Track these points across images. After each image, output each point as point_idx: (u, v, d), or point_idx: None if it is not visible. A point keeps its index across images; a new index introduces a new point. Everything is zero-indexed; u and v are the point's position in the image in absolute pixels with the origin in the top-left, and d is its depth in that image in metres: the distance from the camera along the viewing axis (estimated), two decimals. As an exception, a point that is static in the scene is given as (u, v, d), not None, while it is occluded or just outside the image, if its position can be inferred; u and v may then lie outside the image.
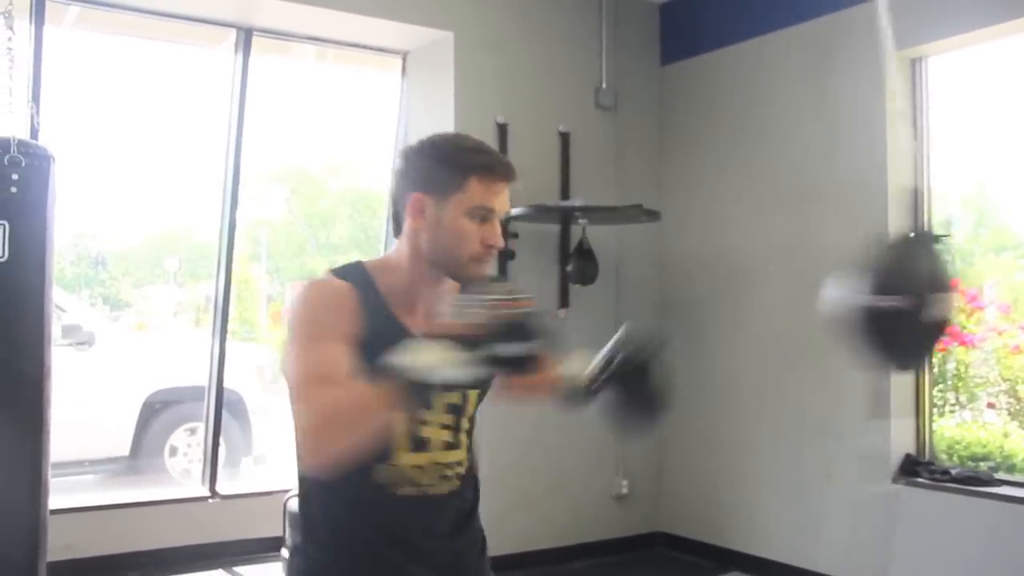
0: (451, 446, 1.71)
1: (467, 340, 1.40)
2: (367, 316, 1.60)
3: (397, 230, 1.69)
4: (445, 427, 1.69)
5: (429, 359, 1.41)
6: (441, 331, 1.44)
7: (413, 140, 1.72)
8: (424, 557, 1.68)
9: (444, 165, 1.62)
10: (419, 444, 1.65)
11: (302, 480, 1.69)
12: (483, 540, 1.83)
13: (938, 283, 1.92)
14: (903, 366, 2.39)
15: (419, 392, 1.43)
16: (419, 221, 1.63)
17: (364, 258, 1.73)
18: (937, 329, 1.94)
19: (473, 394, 1.73)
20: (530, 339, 1.44)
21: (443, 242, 1.61)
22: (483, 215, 1.61)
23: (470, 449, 1.77)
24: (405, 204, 1.65)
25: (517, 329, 1.43)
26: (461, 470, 1.73)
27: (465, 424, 1.74)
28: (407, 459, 1.65)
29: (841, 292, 1.94)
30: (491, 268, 1.68)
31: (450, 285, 1.66)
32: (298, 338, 1.57)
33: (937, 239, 2.11)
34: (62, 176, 3.40)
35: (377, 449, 1.57)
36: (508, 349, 1.43)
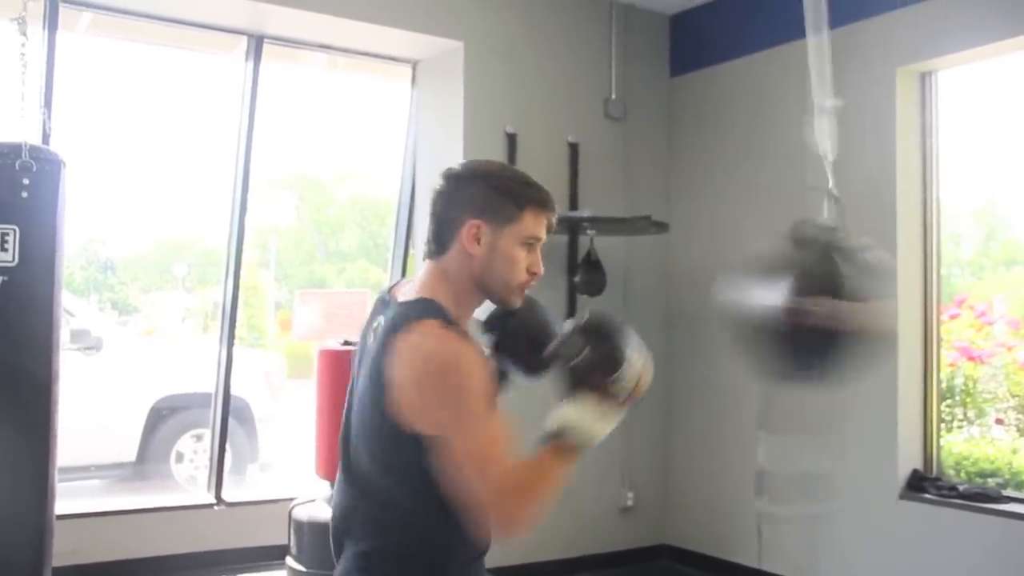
0: None
1: (621, 396, 1.65)
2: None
3: (439, 251, 1.74)
4: None
5: (591, 421, 1.65)
6: (594, 394, 1.64)
7: (458, 163, 1.80)
8: None
9: (503, 196, 1.71)
10: None
11: (406, 520, 1.69)
12: None
13: (840, 288, 1.77)
14: (796, 379, 2.06)
15: (584, 450, 1.64)
16: (475, 246, 1.70)
17: (428, 294, 1.71)
18: (830, 337, 1.79)
19: None
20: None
21: (497, 268, 1.70)
22: (532, 244, 1.72)
23: None
24: (456, 228, 1.71)
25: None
26: None
27: None
28: None
29: (734, 293, 1.84)
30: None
31: (482, 308, 1.79)
32: (471, 412, 1.59)
33: (848, 242, 1.96)
34: (72, 181, 3.42)
35: None
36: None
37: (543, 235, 1.74)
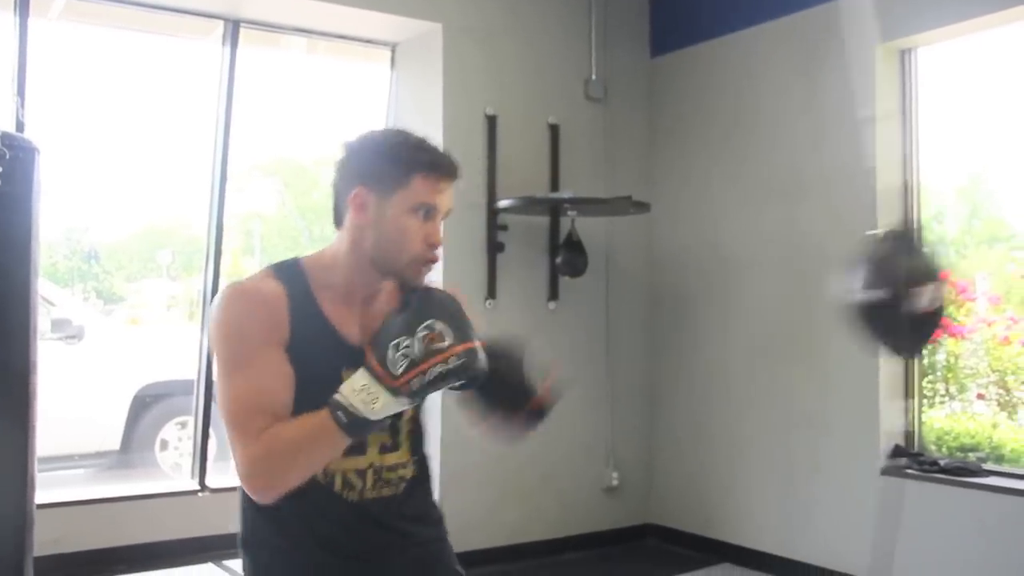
0: (388, 449, 1.69)
1: (399, 388, 1.45)
2: (297, 320, 1.60)
3: (338, 222, 1.68)
4: (382, 429, 1.65)
5: (366, 398, 1.45)
6: (376, 371, 1.46)
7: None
8: (366, 562, 1.67)
9: (389, 160, 1.60)
10: (354, 447, 1.60)
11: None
12: (438, 544, 1.81)
13: (919, 275, 1.99)
14: (898, 353, 2.46)
15: (359, 427, 1.48)
16: (361, 216, 1.61)
17: (300, 256, 1.70)
18: (924, 318, 2.01)
19: None
20: (464, 381, 1.51)
21: (385, 238, 1.60)
22: (426, 212, 1.60)
23: (416, 452, 1.74)
24: (347, 197, 1.63)
25: (449, 380, 1.48)
26: (405, 473, 1.72)
27: (405, 426, 1.72)
28: (343, 463, 1.63)
29: (838, 287, 2.07)
30: (430, 270, 1.66)
31: (387, 285, 1.67)
32: (228, 360, 1.56)
33: (920, 234, 2.27)
34: (48, 169, 3.38)
35: None
36: (439, 388, 1.49)
37: (438, 202, 1.61)
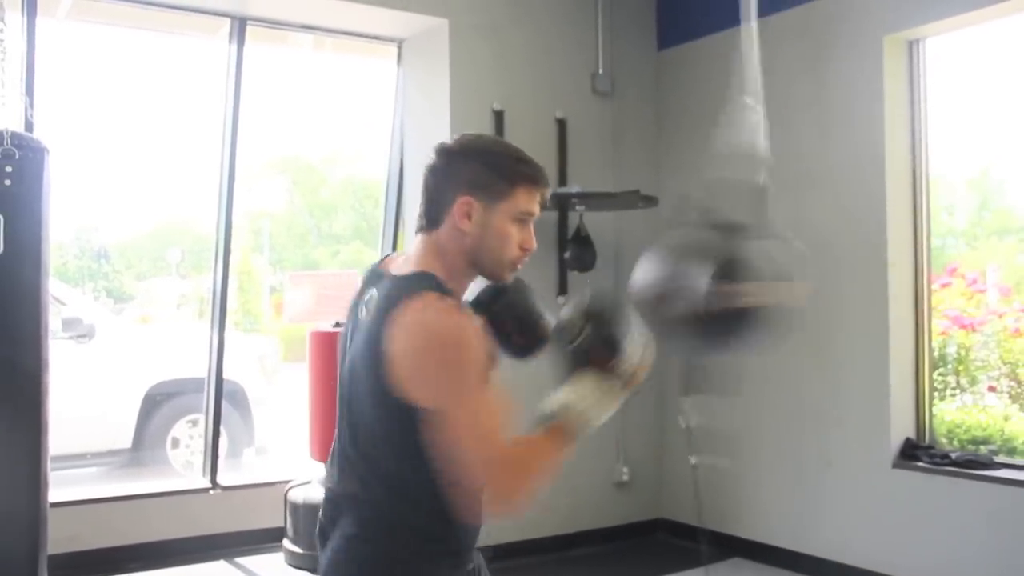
0: None
1: (623, 379, 1.66)
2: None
3: (430, 226, 1.72)
4: None
5: (589, 404, 1.63)
6: (599, 372, 1.64)
7: (450, 137, 1.77)
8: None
9: (495, 172, 1.70)
10: None
11: (404, 493, 1.67)
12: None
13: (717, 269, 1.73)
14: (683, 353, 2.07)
15: (585, 432, 1.64)
16: (466, 223, 1.69)
17: (424, 268, 1.70)
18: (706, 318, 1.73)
19: None
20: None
21: (489, 244, 1.70)
22: (524, 220, 1.71)
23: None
24: (447, 204, 1.70)
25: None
26: None
27: None
28: None
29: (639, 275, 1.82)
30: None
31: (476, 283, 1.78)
32: (466, 386, 1.58)
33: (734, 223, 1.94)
34: (58, 169, 3.40)
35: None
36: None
37: (536, 211, 1.72)
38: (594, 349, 1.64)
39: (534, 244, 1.74)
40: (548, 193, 1.77)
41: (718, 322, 1.73)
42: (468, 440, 1.56)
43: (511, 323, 1.81)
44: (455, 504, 1.62)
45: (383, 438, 1.65)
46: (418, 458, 1.60)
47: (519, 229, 1.70)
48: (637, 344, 1.67)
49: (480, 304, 1.82)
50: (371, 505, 1.67)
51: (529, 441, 1.62)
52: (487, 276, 1.75)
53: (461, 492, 1.60)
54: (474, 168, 1.70)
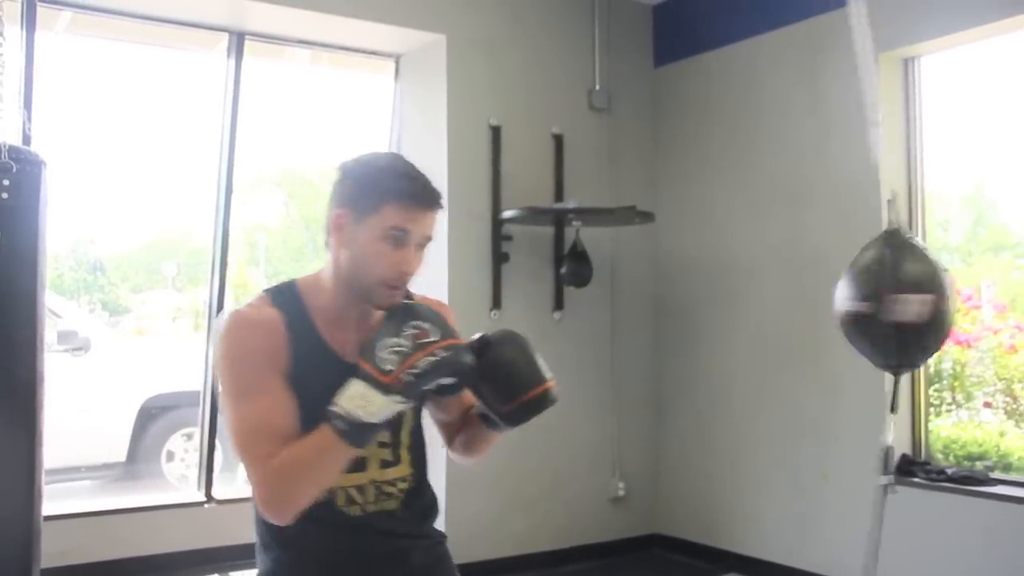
0: (389, 464, 1.73)
1: (391, 385, 1.50)
2: (296, 344, 1.64)
3: (325, 243, 1.71)
4: (383, 445, 1.71)
5: (362, 403, 1.50)
6: (368, 372, 1.52)
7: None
8: (378, 560, 1.72)
9: (365, 186, 1.64)
10: (355, 464, 1.65)
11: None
12: (437, 551, 1.83)
13: (905, 284, 1.77)
14: (886, 368, 2.10)
15: (359, 434, 1.52)
16: (339, 237, 1.65)
17: (296, 278, 1.73)
18: (913, 330, 1.77)
19: (408, 410, 1.71)
20: (453, 377, 1.57)
21: (357, 261, 1.64)
22: (397, 239, 1.62)
23: (416, 465, 1.78)
24: (329, 219, 1.67)
25: (440, 373, 1.53)
26: (405, 486, 1.75)
27: (405, 440, 1.76)
28: (343, 480, 1.67)
29: (836, 297, 1.86)
30: (402, 294, 1.69)
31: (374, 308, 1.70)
32: (232, 389, 1.60)
33: (916, 238, 1.97)
34: (55, 182, 3.40)
35: None
36: (429, 386, 1.55)
37: (414, 230, 1.62)
38: (363, 349, 1.56)
39: (412, 268, 1.65)
40: (428, 213, 1.64)
41: (906, 334, 1.74)
42: (236, 444, 1.58)
43: (488, 389, 1.68)
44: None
45: None
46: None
47: (393, 249, 1.61)
48: (404, 339, 1.52)
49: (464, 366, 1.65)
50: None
51: (295, 447, 1.54)
52: (363, 298, 1.66)
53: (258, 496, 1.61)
54: (352, 182, 1.66)
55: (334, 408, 1.51)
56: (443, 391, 1.63)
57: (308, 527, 1.64)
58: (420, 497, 1.78)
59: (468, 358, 1.57)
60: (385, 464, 1.72)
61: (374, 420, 1.50)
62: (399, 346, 1.51)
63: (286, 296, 1.68)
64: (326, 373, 1.61)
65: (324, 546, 1.68)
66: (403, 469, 1.75)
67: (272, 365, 1.59)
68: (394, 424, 1.68)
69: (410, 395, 1.52)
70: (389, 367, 1.50)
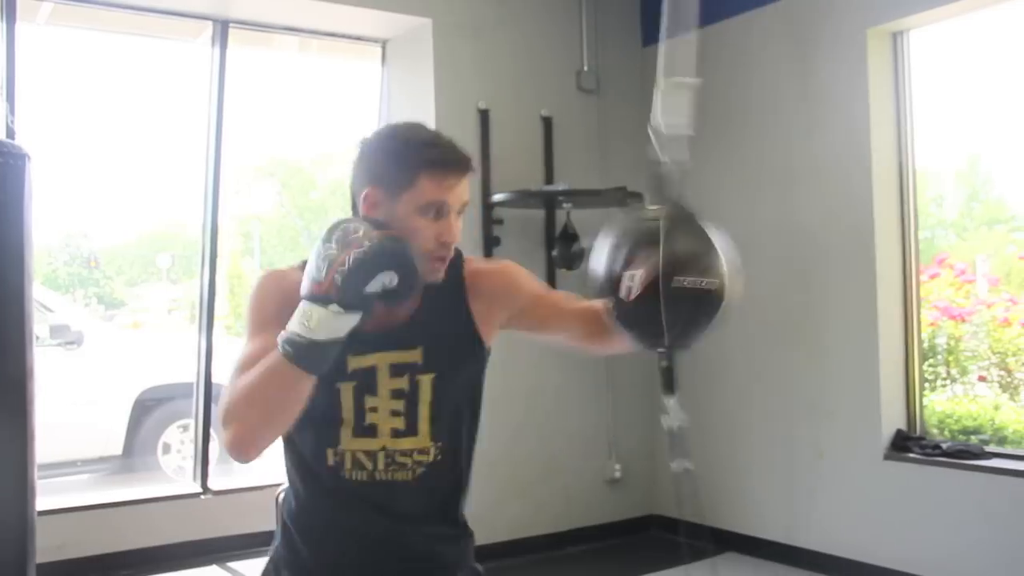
0: (403, 433, 1.68)
1: (326, 295, 1.42)
2: None
3: None
4: (395, 414, 1.67)
5: (303, 320, 1.43)
6: (310, 290, 1.45)
7: (369, 132, 1.71)
8: (376, 543, 1.70)
9: (395, 161, 1.59)
10: (366, 430, 1.66)
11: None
12: (459, 533, 1.80)
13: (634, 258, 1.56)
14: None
15: (307, 354, 1.43)
16: (373, 215, 1.60)
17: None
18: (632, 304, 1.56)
19: (425, 379, 1.68)
20: (390, 269, 1.45)
21: None
22: (436, 211, 1.59)
23: (439, 440, 1.71)
24: (357, 197, 1.64)
25: (371, 266, 1.43)
26: (425, 459, 1.69)
27: (424, 411, 1.69)
28: (353, 443, 1.67)
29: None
30: (445, 264, 1.65)
31: None
32: (246, 333, 1.62)
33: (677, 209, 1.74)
34: (43, 175, 3.38)
35: (330, 433, 1.66)
36: (369, 286, 1.44)
37: (447, 198, 1.59)
38: (309, 269, 1.48)
39: (455, 237, 1.61)
40: (462, 178, 1.61)
41: (642, 310, 1.57)
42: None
43: None
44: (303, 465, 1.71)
45: None
46: None
47: (433, 221, 1.58)
48: (323, 257, 1.45)
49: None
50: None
51: (256, 369, 1.49)
52: None
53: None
54: (379, 158, 1.62)
55: (281, 332, 1.46)
56: (392, 295, 1.49)
57: (318, 501, 1.67)
58: (439, 476, 1.72)
59: (402, 249, 1.47)
60: (397, 433, 1.67)
61: (319, 337, 1.42)
62: (328, 252, 1.43)
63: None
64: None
65: (333, 510, 1.68)
66: (421, 441, 1.69)
67: (282, 321, 1.51)
68: (405, 393, 1.66)
69: (348, 300, 1.43)
70: (320, 276, 1.43)
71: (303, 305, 1.45)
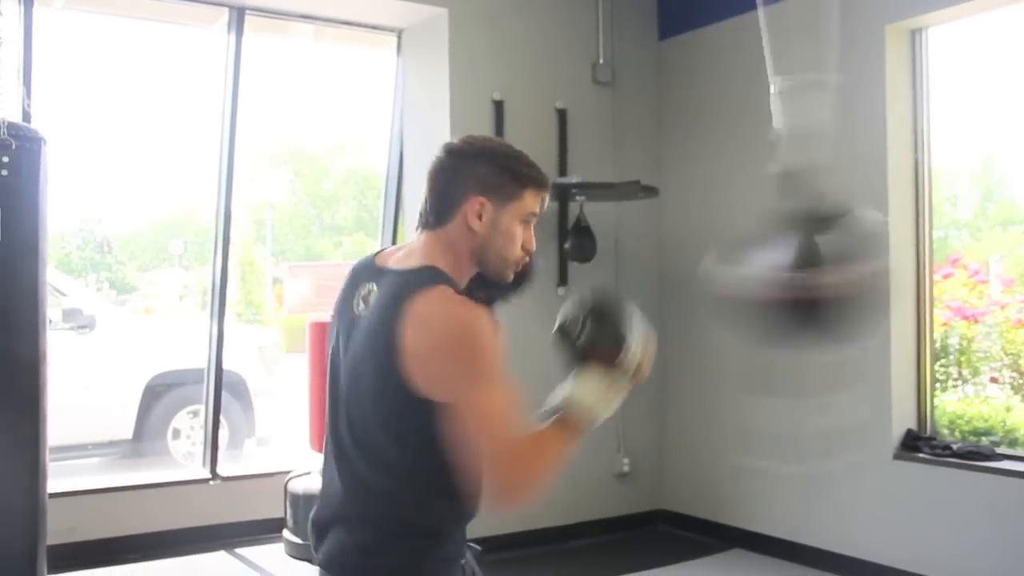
0: None
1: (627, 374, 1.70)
2: None
3: (437, 223, 1.75)
4: None
5: (595, 399, 1.68)
6: (603, 367, 1.69)
7: (458, 138, 1.82)
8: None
9: (507, 174, 1.75)
10: None
11: (411, 487, 1.68)
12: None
13: (816, 258, 1.68)
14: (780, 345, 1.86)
15: (590, 426, 1.69)
16: (476, 222, 1.73)
17: (432, 263, 1.72)
18: (811, 304, 1.64)
19: None
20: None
21: (496, 243, 1.75)
22: (528, 221, 1.79)
23: None
24: (458, 203, 1.73)
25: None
26: None
27: None
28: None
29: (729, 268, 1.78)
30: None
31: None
32: (488, 374, 1.61)
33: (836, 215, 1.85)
34: (59, 160, 3.39)
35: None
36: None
37: (538, 212, 1.80)
38: (596, 345, 1.69)
39: (535, 245, 1.82)
40: (548, 197, 1.83)
41: (802, 312, 1.68)
42: (480, 433, 1.58)
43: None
44: (459, 497, 1.66)
45: (388, 431, 1.65)
46: (426, 451, 1.62)
47: (523, 230, 1.77)
48: (639, 338, 1.71)
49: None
50: (373, 502, 1.68)
51: (537, 435, 1.66)
52: (491, 275, 1.80)
53: (467, 485, 1.63)
54: (486, 169, 1.74)
55: (572, 402, 1.67)
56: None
57: (457, 524, 1.75)
58: None
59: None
60: None
61: (609, 414, 1.70)
62: (635, 348, 1.70)
63: (456, 288, 1.71)
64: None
65: (456, 541, 1.76)
66: None
67: (502, 361, 1.66)
68: None
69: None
70: (628, 370, 1.70)
71: (609, 386, 1.69)
